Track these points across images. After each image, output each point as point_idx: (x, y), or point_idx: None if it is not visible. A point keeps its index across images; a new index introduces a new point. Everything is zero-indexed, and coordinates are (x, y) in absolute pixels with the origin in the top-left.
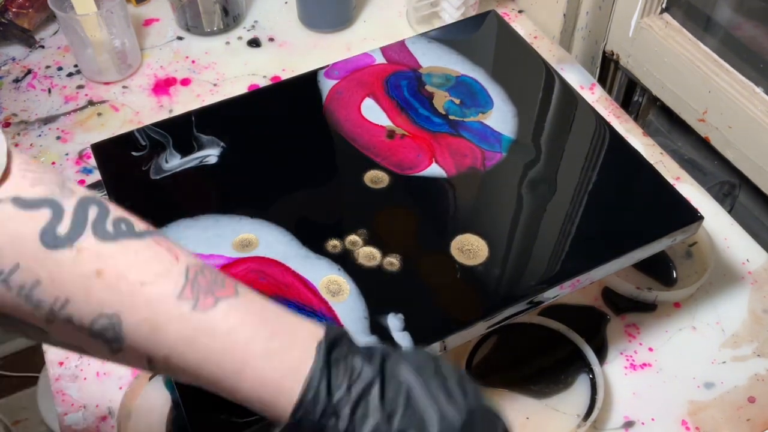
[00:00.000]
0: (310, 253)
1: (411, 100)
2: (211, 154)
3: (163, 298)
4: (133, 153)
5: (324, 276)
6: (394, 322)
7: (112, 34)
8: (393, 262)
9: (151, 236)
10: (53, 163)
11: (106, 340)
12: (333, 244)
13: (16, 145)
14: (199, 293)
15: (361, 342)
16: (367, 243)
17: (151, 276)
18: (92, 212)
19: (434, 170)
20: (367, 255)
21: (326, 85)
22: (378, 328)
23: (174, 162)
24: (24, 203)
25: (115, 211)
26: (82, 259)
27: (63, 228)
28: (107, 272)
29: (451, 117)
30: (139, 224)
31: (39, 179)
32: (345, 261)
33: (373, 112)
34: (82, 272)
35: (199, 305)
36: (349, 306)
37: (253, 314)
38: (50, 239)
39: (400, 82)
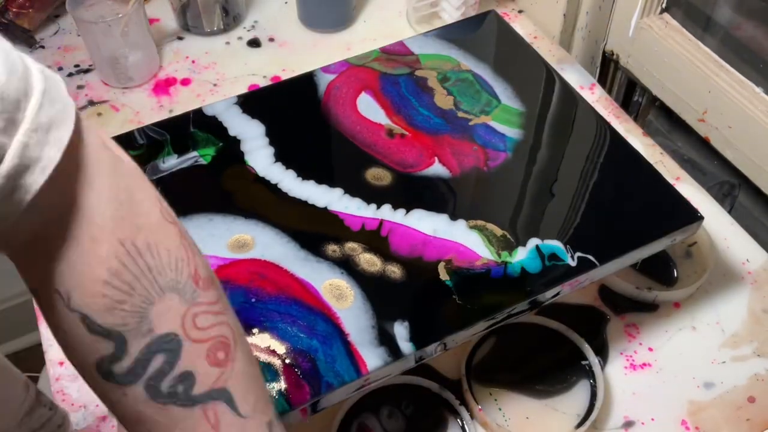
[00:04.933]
0: (310, 256)
1: (410, 98)
2: (208, 154)
3: None
4: (133, 153)
5: (326, 280)
6: (400, 330)
7: (132, 41)
8: (395, 270)
9: (203, 405)
10: None
11: None
12: (333, 248)
13: None
14: None
15: (371, 353)
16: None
17: None
18: (156, 363)
19: (437, 170)
20: (369, 259)
21: (324, 79)
22: (386, 337)
23: (172, 161)
24: (91, 328)
25: (186, 361)
26: (126, 403)
27: (119, 368)
28: (145, 425)
29: (459, 115)
30: (205, 381)
31: (119, 303)
32: (348, 264)
33: (370, 109)
34: (124, 413)
35: None
36: (354, 313)
37: None
38: (105, 371)
39: (399, 78)
